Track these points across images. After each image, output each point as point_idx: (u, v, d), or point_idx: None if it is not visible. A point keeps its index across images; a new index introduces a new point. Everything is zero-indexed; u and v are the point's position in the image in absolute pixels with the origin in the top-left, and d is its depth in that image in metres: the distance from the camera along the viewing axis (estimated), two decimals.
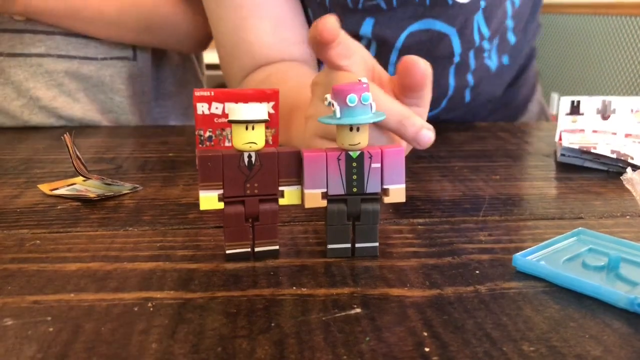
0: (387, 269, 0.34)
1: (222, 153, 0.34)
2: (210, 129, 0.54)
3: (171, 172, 0.56)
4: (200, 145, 0.55)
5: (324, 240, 0.38)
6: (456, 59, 0.71)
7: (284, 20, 0.68)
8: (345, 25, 0.56)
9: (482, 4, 0.68)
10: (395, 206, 0.45)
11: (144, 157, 0.61)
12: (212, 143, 0.54)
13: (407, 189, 0.50)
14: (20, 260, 0.35)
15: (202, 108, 0.53)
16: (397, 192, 0.35)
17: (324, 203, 0.35)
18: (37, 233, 0.39)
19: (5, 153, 0.62)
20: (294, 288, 0.32)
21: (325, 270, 0.34)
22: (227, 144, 0.55)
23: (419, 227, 0.41)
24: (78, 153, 0.48)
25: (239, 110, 0.33)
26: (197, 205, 0.44)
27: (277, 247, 0.36)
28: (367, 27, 0.69)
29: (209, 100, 0.53)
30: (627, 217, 0.44)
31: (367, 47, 0.70)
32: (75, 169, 0.48)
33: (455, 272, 0.34)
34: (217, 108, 0.53)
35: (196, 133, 0.54)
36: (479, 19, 0.69)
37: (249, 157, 0.34)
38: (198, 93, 0.52)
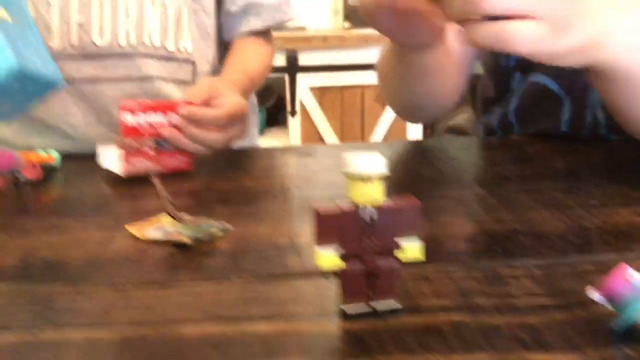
0: (517, 327, 0.32)
1: (340, 208, 0.32)
2: (134, 137, 0.58)
3: (253, 204, 0.55)
4: (125, 152, 0.58)
5: (439, 290, 0.37)
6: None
7: None
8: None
9: None
10: (502, 245, 0.43)
11: (222, 187, 0.60)
12: (137, 151, 0.58)
13: (507, 221, 0.48)
14: (136, 323, 0.34)
15: (128, 118, 0.57)
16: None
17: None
18: (141, 287, 0.39)
19: (80, 186, 0.62)
20: (424, 353, 0.30)
21: (454, 329, 0.32)
22: (149, 151, 0.59)
23: (535, 271, 0.39)
24: (167, 195, 0.48)
25: (357, 163, 0.32)
26: (296, 248, 0.43)
27: (398, 305, 0.34)
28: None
29: (133, 111, 0.56)
30: None
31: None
32: (170, 214, 0.47)
33: (592, 329, 0.32)
34: (142, 118, 0.57)
35: (121, 141, 0.57)
36: None
37: (368, 211, 0.33)
38: (124, 104, 0.56)
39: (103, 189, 0.60)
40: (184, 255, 0.43)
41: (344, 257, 0.33)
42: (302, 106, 2.24)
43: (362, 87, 2.26)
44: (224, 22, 0.84)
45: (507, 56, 0.74)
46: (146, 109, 0.56)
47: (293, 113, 2.26)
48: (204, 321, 0.34)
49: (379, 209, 0.33)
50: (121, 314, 0.35)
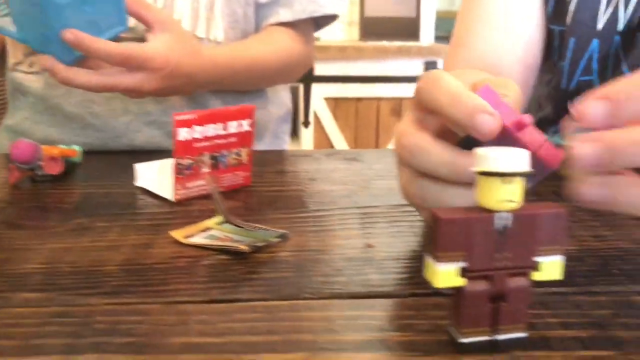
0: None
1: (467, 214, 0.26)
2: (189, 156, 0.48)
3: (303, 209, 0.48)
4: (179, 176, 0.48)
5: (565, 319, 0.30)
6: None
7: (522, 36, 0.64)
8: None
9: None
10: (617, 266, 0.37)
11: (268, 191, 0.53)
12: (192, 171, 0.48)
13: (609, 239, 0.42)
14: (198, 348, 0.27)
15: (184, 134, 0.47)
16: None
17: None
18: (196, 302, 0.32)
19: (106, 184, 0.55)
20: None
21: None
22: (204, 169, 0.49)
23: None
24: (222, 197, 0.41)
25: (496, 159, 0.25)
26: (372, 262, 0.36)
27: (525, 334, 0.27)
28: None
29: (189, 124, 0.47)
30: None
31: None
32: (226, 218, 0.40)
33: None
34: (197, 132, 0.47)
35: (175, 162, 0.47)
36: None
37: (503, 219, 0.26)
38: (179, 117, 0.46)
39: (132, 187, 0.53)
40: (241, 267, 0.37)
41: (466, 275, 0.26)
42: (316, 117, 2.18)
43: (378, 100, 2.21)
44: (254, 14, 0.77)
45: (569, 80, 0.68)
46: (204, 120, 0.47)
47: (306, 124, 2.20)
48: (282, 347, 0.27)
49: (517, 216, 0.26)
50: (178, 337, 0.28)
